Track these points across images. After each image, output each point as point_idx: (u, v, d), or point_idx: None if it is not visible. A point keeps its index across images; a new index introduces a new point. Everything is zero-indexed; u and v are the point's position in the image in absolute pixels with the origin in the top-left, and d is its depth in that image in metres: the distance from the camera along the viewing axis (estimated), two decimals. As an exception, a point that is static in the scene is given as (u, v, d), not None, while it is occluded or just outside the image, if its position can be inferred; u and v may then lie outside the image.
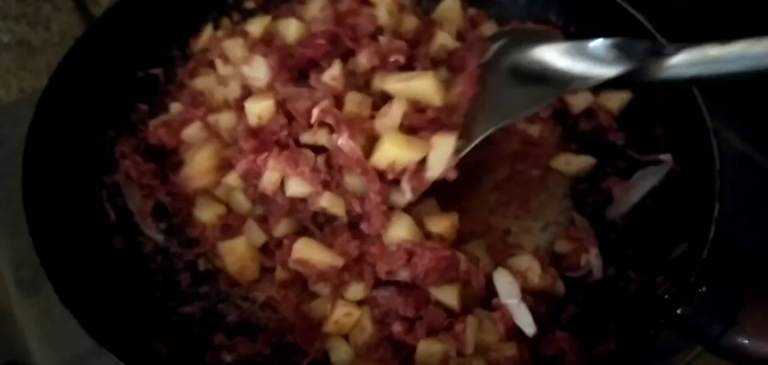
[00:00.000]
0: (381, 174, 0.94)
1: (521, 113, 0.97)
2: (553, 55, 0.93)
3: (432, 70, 1.03)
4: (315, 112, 0.96)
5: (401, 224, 0.94)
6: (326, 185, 0.97)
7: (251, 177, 1.00)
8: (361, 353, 0.91)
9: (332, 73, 1.01)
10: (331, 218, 1.00)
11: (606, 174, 1.09)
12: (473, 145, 0.93)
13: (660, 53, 0.83)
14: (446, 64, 1.09)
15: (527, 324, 0.91)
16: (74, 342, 1.00)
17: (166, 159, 1.10)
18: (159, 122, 1.11)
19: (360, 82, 1.05)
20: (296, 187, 0.97)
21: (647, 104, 1.12)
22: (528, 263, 0.96)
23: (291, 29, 1.11)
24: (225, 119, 1.07)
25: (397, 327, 0.91)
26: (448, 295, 0.93)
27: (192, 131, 1.08)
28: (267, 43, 1.18)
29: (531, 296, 0.94)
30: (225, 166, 1.04)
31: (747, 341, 0.87)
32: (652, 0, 1.10)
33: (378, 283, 0.95)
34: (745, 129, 1.24)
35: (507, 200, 1.09)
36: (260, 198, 1.01)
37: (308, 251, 0.95)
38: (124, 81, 1.15)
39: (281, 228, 1.01)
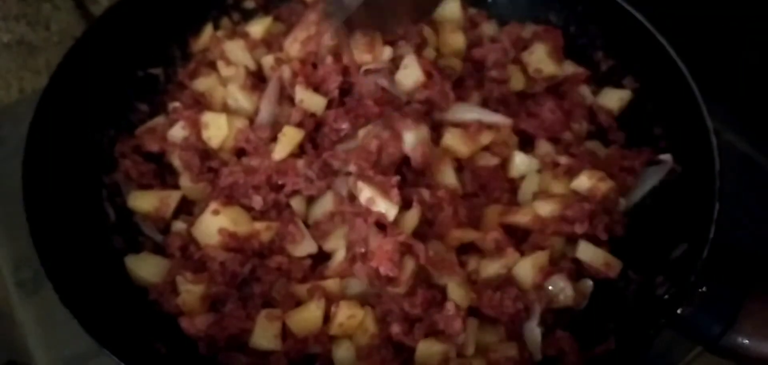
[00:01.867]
0: None
1: None
2: None
3: None
4: None
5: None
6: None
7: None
8: (363, 354, 0.91)
9: None
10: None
11: (606, 174, 1.09)
12: None
13: None
14: None
15: (536, 350, 0.91)
16: (74, 342, 1.01)
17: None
18: (144, 129, 1.11)
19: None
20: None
21: (647, 104, 1.12)
22: (563, 285, 0.94)
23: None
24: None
25: (396, 329, 0.91)
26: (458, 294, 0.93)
27: (175, 132, 1.08)
28: (268, 44, 1.18)
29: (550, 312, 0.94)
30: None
31: (747, 341, 0.87)
32: (652, 0, 1.10)
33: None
34: (746, 129, 1.24)
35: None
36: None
37: None
38: (124, 81, 1.15)
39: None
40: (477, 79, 1.14)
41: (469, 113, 1.07)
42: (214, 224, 0.97)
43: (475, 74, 1.15)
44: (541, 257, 0.95)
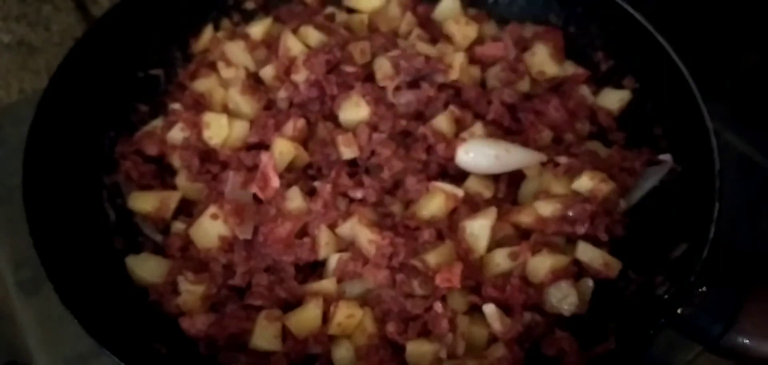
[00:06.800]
0: None
1: None
2: None
3: None
4: None
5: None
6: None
7: None
8: (362, 354, 0.91)
9: None
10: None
11: (606, 174, 1.09)
12: None
13: None
14: None
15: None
16: (74, 342, 1.01)
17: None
18: (142, 133, 1.11)
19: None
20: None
21: (647, 104, 1.12)
22: (566, 291, 0.93)
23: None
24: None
25: (390, 327, 0.91)
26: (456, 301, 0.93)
27: (175, 134, 1.08)
28: (268, 45, 1.18)
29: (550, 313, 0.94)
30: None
31: (747, 341, 0.87)
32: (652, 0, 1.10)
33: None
34: (746, 130, 1.24)
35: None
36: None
37: None
38: (124, 81, 1.15)
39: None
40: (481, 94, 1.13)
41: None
42: (213, 229, 0.97)
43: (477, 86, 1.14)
44: (560, 260, 0.94)
